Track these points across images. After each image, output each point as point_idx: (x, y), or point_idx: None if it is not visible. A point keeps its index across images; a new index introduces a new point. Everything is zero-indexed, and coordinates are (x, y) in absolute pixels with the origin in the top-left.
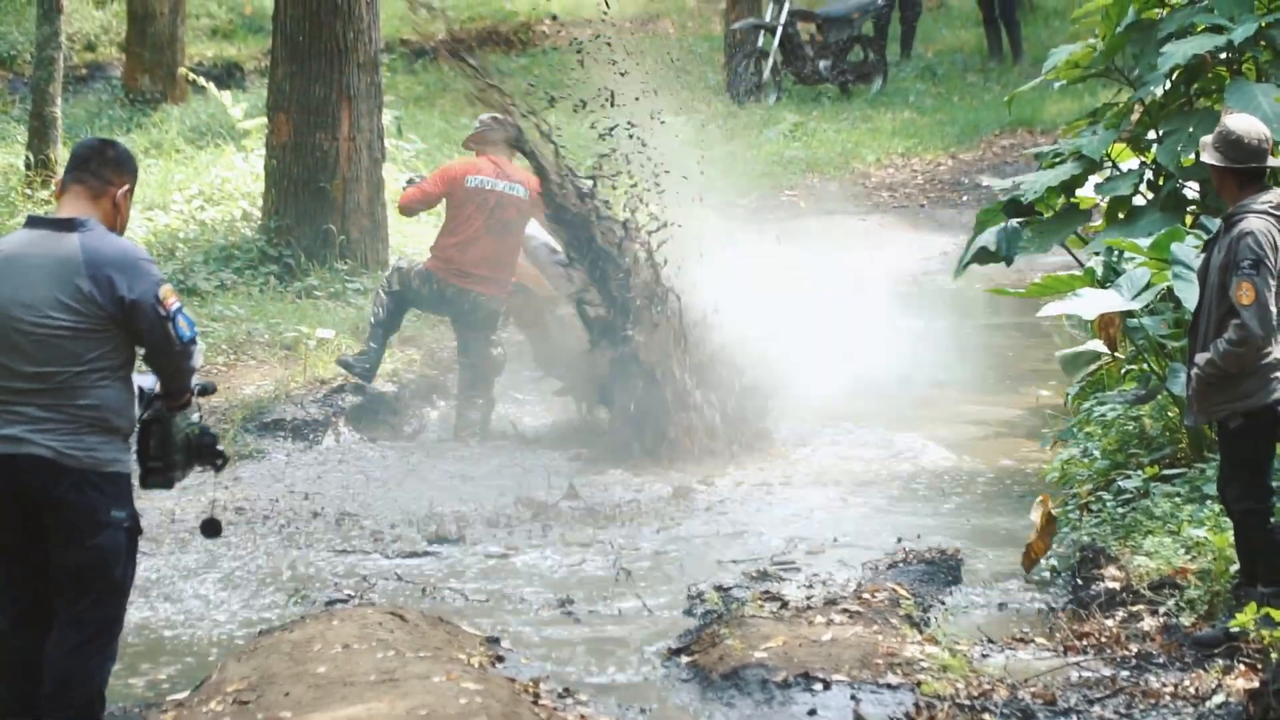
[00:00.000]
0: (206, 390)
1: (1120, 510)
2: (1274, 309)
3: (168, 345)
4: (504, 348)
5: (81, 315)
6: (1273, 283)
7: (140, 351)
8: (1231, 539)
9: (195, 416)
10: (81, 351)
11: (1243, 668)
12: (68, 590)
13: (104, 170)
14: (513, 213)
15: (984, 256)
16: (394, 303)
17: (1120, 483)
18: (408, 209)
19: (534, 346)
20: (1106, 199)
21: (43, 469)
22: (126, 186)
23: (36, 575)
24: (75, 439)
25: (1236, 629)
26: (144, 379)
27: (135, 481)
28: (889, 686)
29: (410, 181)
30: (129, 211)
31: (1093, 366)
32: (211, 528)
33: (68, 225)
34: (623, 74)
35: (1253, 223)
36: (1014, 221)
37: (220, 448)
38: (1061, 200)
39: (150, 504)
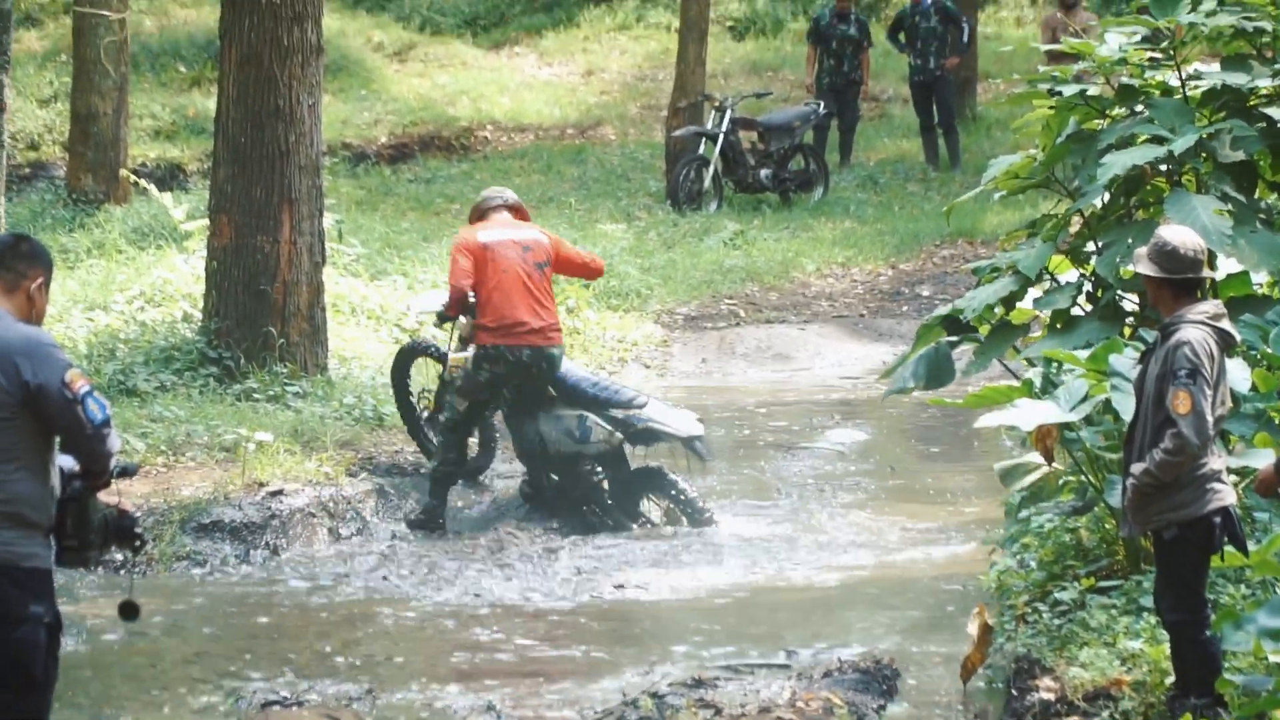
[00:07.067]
0: (127, 471)
1: (1056, 621)
2: (1210, 419)
3: (79, 428)
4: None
5: None
6: (1209, 392)
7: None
8: (1168, 650)
9: (137, 514)
10: None
11: None
12: None
13: (17, 264)
14: (541, 255)
15: (909, 386)
16: (459, 433)
17: (1056, 594)
18: (456, 289)
19: (514, 438)
20: (1048, 312)
21: None
22: (41, 279)
23: None
24: None
25: None
26: (64, 458)
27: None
28: None
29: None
30: (45, 304)
31: (1030, 478)
32: (129, 610)
33: None
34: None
35: (1189, 333)
36: (945, 340)
37: (139, 530)
38: (1000, 313)
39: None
